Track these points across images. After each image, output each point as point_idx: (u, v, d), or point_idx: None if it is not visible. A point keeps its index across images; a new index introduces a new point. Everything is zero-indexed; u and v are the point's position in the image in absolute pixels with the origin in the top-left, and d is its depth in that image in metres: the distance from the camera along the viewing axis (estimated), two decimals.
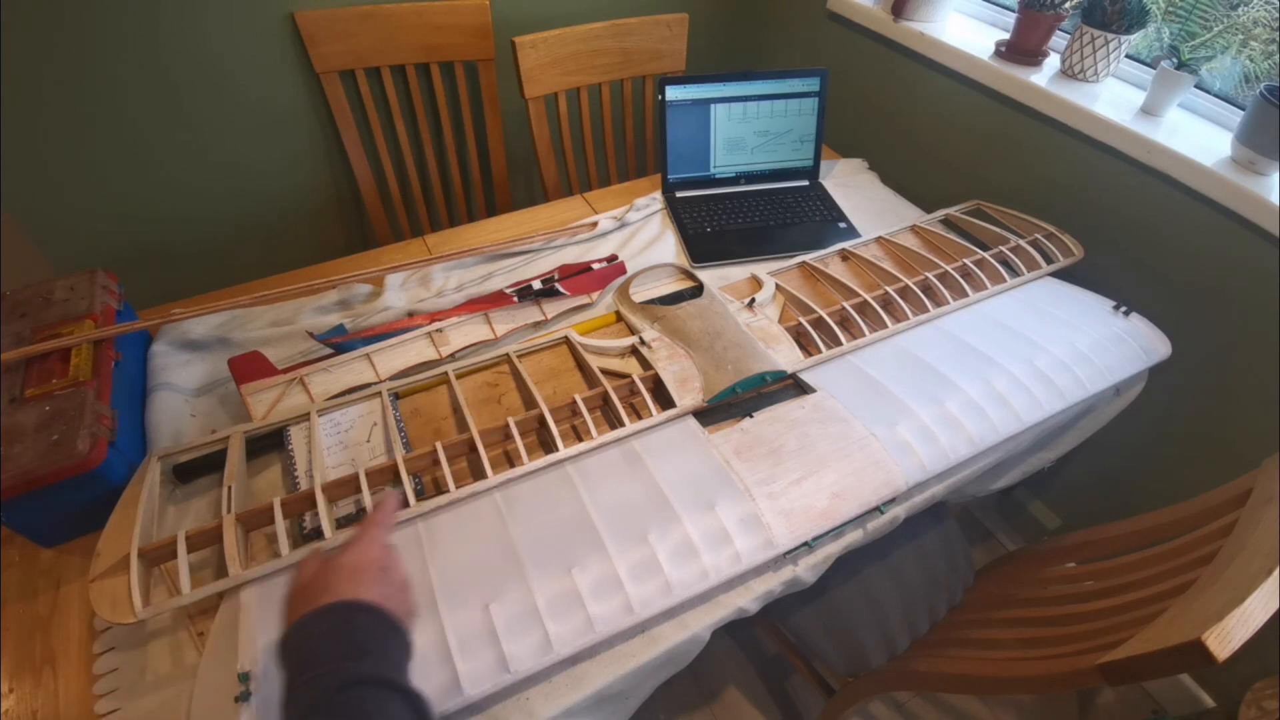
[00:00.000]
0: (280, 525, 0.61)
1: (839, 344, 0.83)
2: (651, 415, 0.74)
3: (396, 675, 0.40)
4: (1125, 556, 0.74)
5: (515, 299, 0.89)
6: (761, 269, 0.97)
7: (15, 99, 0.95)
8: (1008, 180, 1.16)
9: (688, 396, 0.75)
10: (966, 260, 0.96)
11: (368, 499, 0.64)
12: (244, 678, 0.52)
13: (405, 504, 0.64)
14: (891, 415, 0.74)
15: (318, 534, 0.62)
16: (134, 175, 1.10)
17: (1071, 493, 1.28)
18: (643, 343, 0.82)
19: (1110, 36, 0.99)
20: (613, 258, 0.97)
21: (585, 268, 0.94)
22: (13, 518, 0.62)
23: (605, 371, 0.79)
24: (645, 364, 0.81)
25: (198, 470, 0.69)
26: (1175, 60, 0.94)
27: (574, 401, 0.73)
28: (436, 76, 1.20)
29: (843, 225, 1.09)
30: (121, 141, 1.06)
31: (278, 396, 0.75)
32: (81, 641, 0.59)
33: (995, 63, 1.10)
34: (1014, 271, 0.96)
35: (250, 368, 0.76)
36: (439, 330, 0.85)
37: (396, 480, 0.67)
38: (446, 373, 0.79)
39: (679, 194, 1.15)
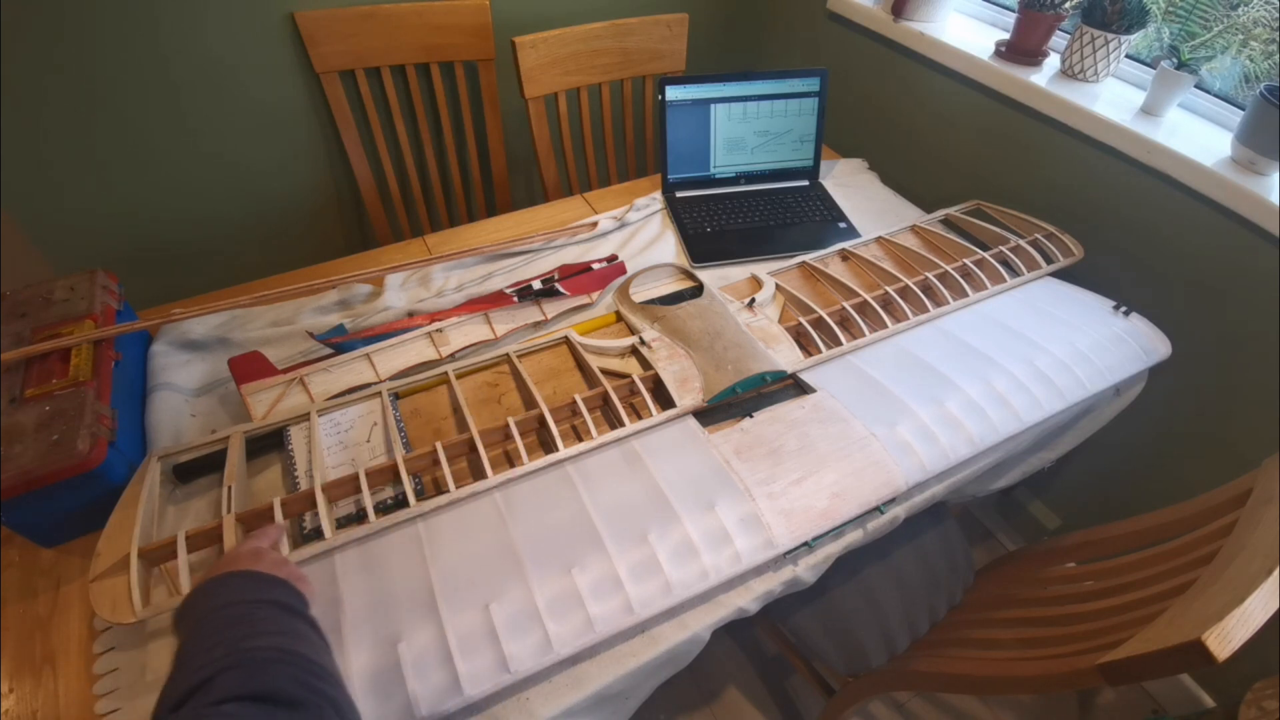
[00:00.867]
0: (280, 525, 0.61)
1: (839, 344, 0.83)
2: (651, 415, 0.74)
3: (263, 593, 0.44)
4: (1125, 556, 0.74)
5: (515, 299, 0.89)
6: (761, 269, 0.97)
7: (15, 99, 0.95)
8: (1008, 180, 1.16)
9: (688, 396, 0.75)
10: (966, 260, 0.96)
11: (368, 499, 0.64)
12: None
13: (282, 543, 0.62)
14: (891, 415, 0.74)
15: (318, 534, 0.62)
16: (134, 175, 1.10)
17: (1071, 493, 1.28)
18: (643, 343, 0.82)
19: (1110, 36, 0.99)
20: (613, 258, 0.97)
21: (585, 268, 0.94)
22: (13, 518, 0.62)
23: (605, 371, 0.79)
24: (645, 364, 0.81)
25: (198, 470, 0.69)
26: (1175, 60, 0.94)
27: (574, 401, 0.73)
28: (436, 76, 1.20)
29: (843, 225, 1.09)
30: (122, 141, 1.06)
31: (278, 396, 0.75)
32: (81, 641, 0.59)
33: (995, 63, 1.10)
34: (1014, 271, 0.96)
35: (250, 368, 0.76)
36: (439, 330, 0.85)
37: (396, 480, 0.67)
38: (446, 373, 0.79)
39: (679, 194, 1.15)
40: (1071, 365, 0.82)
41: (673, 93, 1.08)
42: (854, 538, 0.71)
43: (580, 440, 0.71)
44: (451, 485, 0.65)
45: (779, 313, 0.91)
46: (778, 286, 0.94)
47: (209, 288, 0.93)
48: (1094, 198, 1.04)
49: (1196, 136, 0.94)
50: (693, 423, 0.74)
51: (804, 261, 0.99)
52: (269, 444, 0.73)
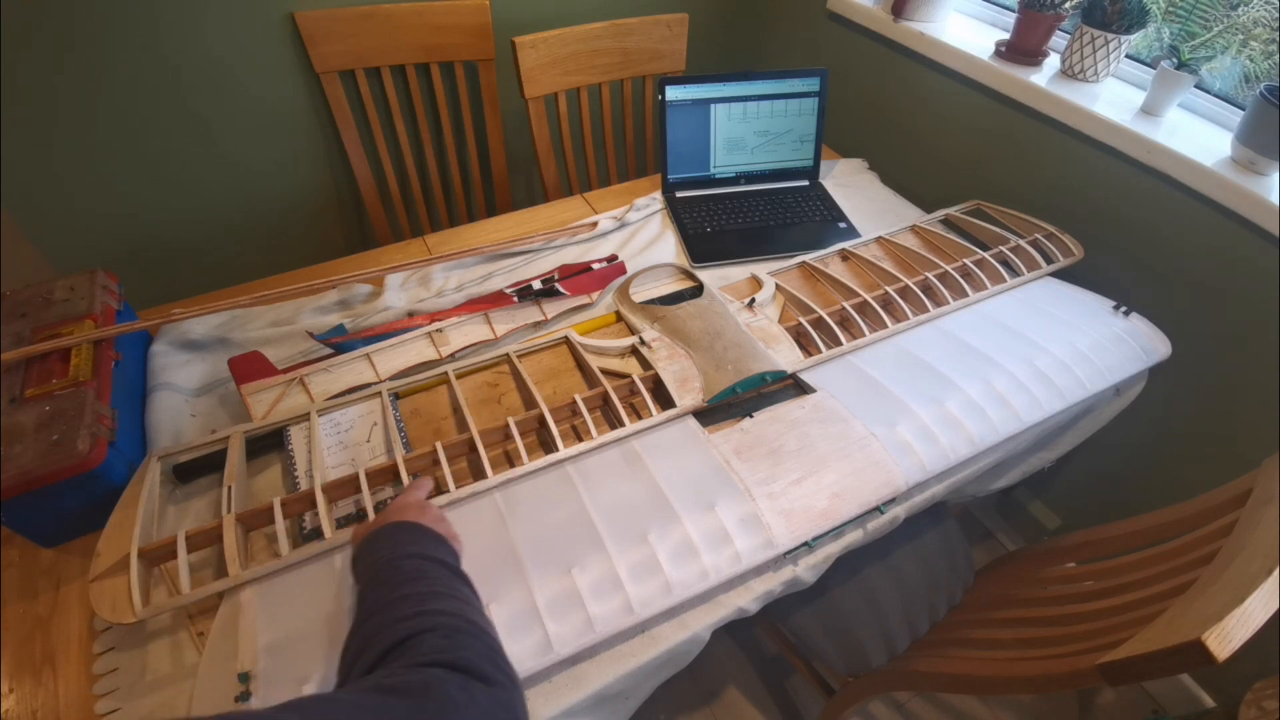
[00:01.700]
0: (280, 525, 0.61)
1: (839, 344, 0.83)
2: (651, 415, 0.74)
3: (434, 552, 0.47)
4: (1125, 556, 0.74)
5: (515, 299, 0.89)
6: (761, 269, 0.97)
7: (15, 99, 0.95)
8: (1008, 180, 1.16)
9: (688, 396, 0.75)
10: (966, 260, 0.96)
11: (368, 499, 0.64)
12: (244, 677, 0.52)
13: (437, 490, 0.65)
14: (891, 415, 0.74)
15: (317, 534, 0.62)
16: (134, 175, 1.10)
17: (1071, 493, 1.28)
18: (643, 343, 0.82)
19: (1110, 36, 0.99)
20: (613, 258, 0.97)
21: (585, 268, 0.94)
22: (13, 518, 0.62)
23: (605, 371, 0.79)
24: (645, 364, 0.81)
25: (198, 470, 0.69)
26: (1175, 60, 0.94)
27: (574, 401, 0.73)
28: (436, 76, 1.20)
29: (843, 225, 1.09)
30: (122, 141, 1.06)
31: (278, 396, 0.75)
32: (81, 641, 0.59)
33: (995, 63, 1.10)
34: (1014, 271, 0.96)
35: (250, 368, 0.76)
36: (439, 330, 0.85)
37: (396, 480, 0.67)
38: (446, 373, 0.79)
39: (679, 194, 1.15)
40: (1071, 365, 0.82)
41: (673, 93, 1.08)
42: (854, 538, 0.71)
43: (580, 440, 0.71)
44: (451, 485, 0.65)
45: (779, 313, 0.91)
46: (778, 286, 0.94)
47: (209, 288, 0.93)
48: (1094, 198, 1.04)
49: (1196, 136, 0.94)
50: (693, 423, 0.74)
51: (804, 261, 0.99)
52: (269, 444, 0.73)
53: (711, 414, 0.76)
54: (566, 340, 0.85)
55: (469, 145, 1.32)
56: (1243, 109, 0.92)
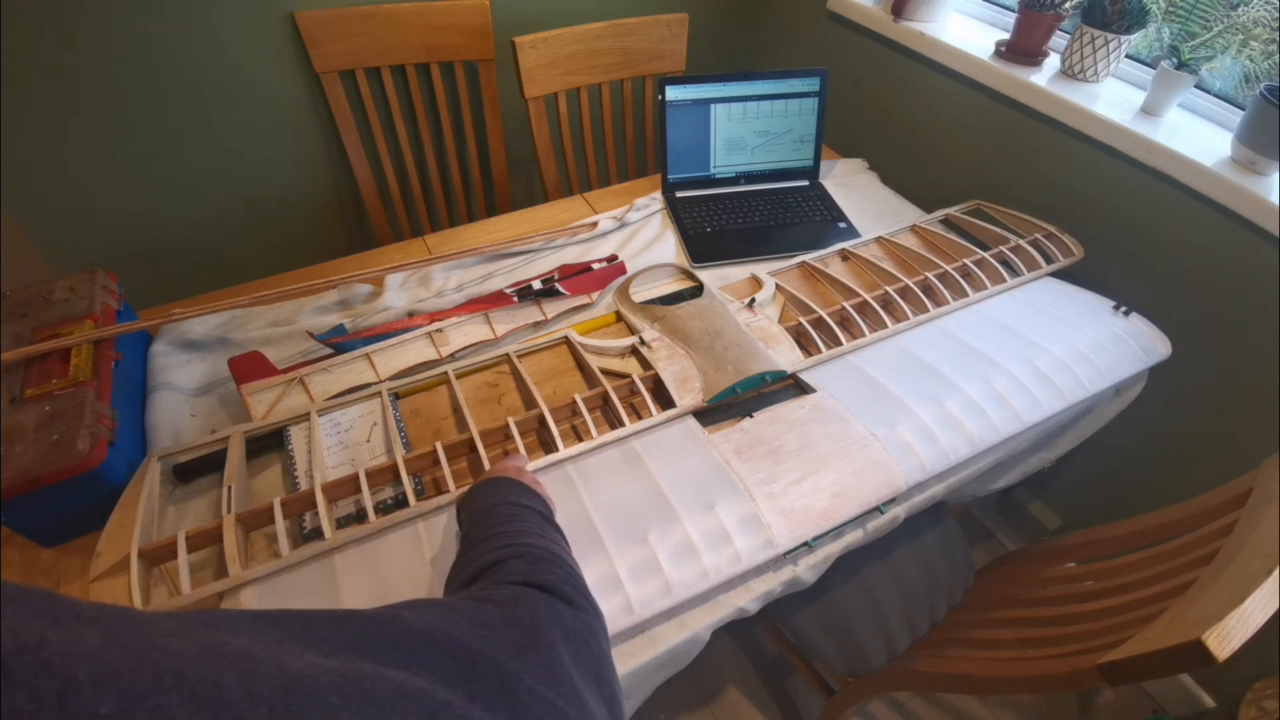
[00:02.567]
0: (280, 525, 0.61)
1: (839, 344, 0.83)
2: (651, 415, 0.74)
3: (529, 502, 0.51)
4: (1125, 556, 0.74)
5: (515, 299, 0.89)
6: (761, 269, 0.97)
7: (15, 99, 0.95)
8: (1008, 180, 1.16)
9: (688, 396, 0.75)
10: (966, 260, 0.96)
11: (368, 499, 0.64)
12: None
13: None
14: (891, 415, 0.74)
15: (318, 534, 0.62)
16: (134, 174, 1.10)
17: (1071, 493, 1.28)
18: (643, 343, 0.82)
19: (1110, 36, 0.99)
20: (613, 258, 0.97)
21: (585, 268, 0.94)
22: (13, 518, 0.62)
23: (605, 371, 0.79)
24: (645, 364, 0.81)
25: (198, 470, 0.69)
26: (1175, 60, 0.94)
27: (574, 401, 0.73)
28: (436, 76, 1.20)
29: (843, 225, 1.09)
30: (122, 141, 1.06)
31: (278, 396, 0.75)
32: None
33: (995, 63, 1.10)
34: (1014, 271, 0.96)
35: (250, 368, 0.76)
36: (439, 330, 0.85)
37: (396, 480, 0.67)
38: (446, 373, 0.79)
39: (679, 194, 1.15)
40: (1071, 365, 0.82)
41: (673, 93, 1.08)
42: (854, 538, 0.71)
43: (580, 440, 0.71)
44: (451, 485, 0.65)
45: (779, 313, 0.91)
46: (778, 286, 0.94)
47: (209, 288, 0.93)
48: (1094, 198, 1.04)
49: (1196, 136, 0.94)
50: (693, 423, 0.74)
51: (804, 261, 0.99)
52: (269, 444, 0.73)
53: (711, 414, 0.76)
54: (566, 340, 0.85)
55: (469, 145, 1.32)
56: (1243, 109, 0.92)
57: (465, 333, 0.86)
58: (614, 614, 0.58)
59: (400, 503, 0.65)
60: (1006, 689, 0.67)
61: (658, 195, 1.15)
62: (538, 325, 0.89)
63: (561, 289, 0.91)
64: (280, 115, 1.16)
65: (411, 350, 0.83)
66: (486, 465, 0.67)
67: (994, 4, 1.23)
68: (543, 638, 0.29)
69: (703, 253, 1.02)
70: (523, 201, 1.53)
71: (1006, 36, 1.13)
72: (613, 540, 0.62)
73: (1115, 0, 0.96)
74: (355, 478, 0.65)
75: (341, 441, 0.71)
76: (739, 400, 0.78)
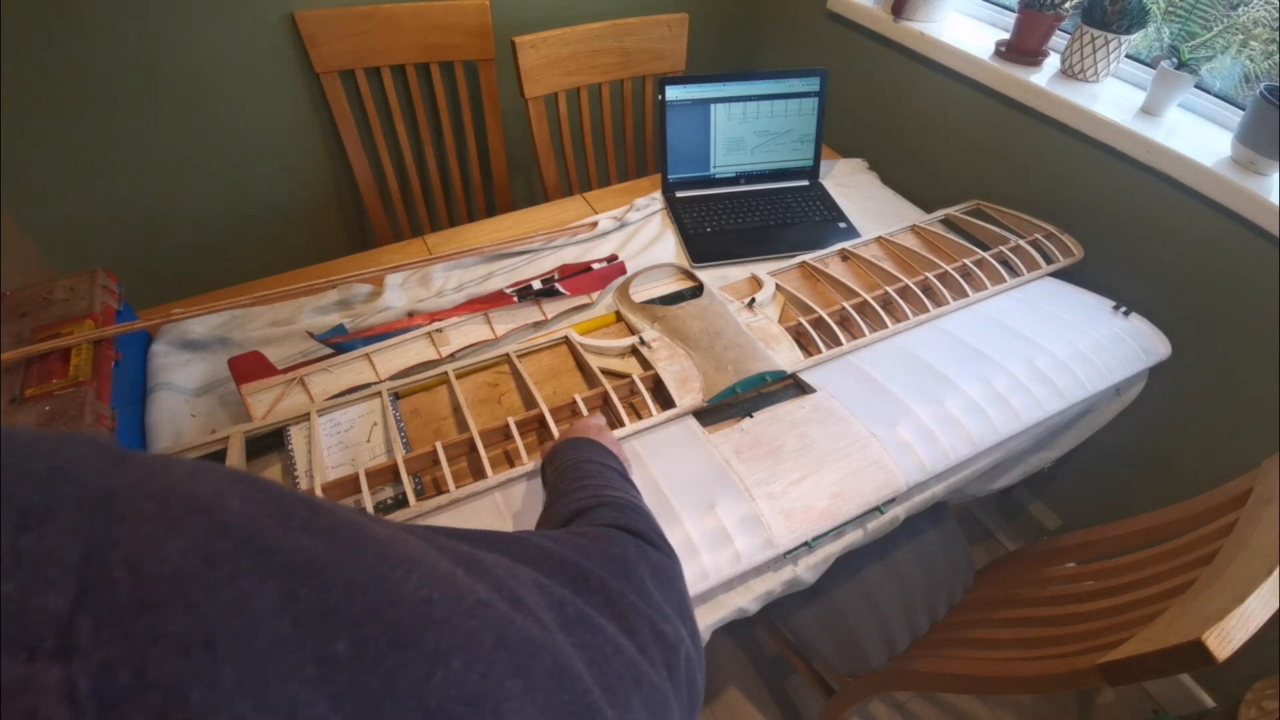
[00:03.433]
0: None
1: (839, 344, 0.83)
2: (651, 415, 0.74)
3: (610, 461, 0.54)
4: (1125, 556, 0.74)
5: (515, 299, 0.89)
6: (761, 269, 0.97)
7: (15, 99, 0.95)
8: (1008, 180, 1.16)
9: (688, 396, 0.75)
10: (966, 260, 0.96)
11: (368, 499, 0.64)
12: None
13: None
14: (891, 415, 0.74)
15: None
16: (134, 175, 1.10)
17: (1071, 493, 1.28)
18: (643, 343, 0.82)
19: (1110, 36, 0.99)
20: (613, 258, 0.97)
21: (585, 268, 0.94)
22: None
23: (605, 371, 0.79)
24: (645, 364, 0.81)
25: None
26: (1175, 60, 0.94)
27: (574, 401, 0.73)
28: (436, 76, 1.20)
29: (843, 225, 1.09)
30: (121, 141, 1.06)
31: (278, 396, 0.75)
32: None
33: (995, 63, 1.10)
34: (1014, 272, 0.96)
35: (250, 368, 0.76)
36: (439, 330, 0.85)
37: (396, 480, 0.67)
38: (446, 373, 0.79)
39: (679, 194, 1.15)
40: (1071, 365, 0.82)
41: (673, 93, 1.08)
42: (854, 538, 0.71)
43: None
44: (451, 485, 0.65)
45: (779, 313, 0.91)
46: (778, 286, 0.94)
47: (209, 288, 0.93)
48: (1094, 198, 1.04)
49: (1196, 136, 0.94)
50: (693, 423, 0.74)
51: (804, 261, 0.99)
52: (269, 444, 0.73)
53: (711, 414, 0.76)
54: (566, 340, 0.85)
55: (469, 145, 1.32)
56: (1243, 109, 0.92)
57: (465, 333, 0.86)
58: None
59: (400, 502, 0.65)
60: (1006, 689, 0.67)
61: (658, 195, 1.15)
62: (538, 325, 0.89)
63: (561, 289, 0.91)
64: (280, 115, 1.16)
65: (411, 350, 0.83)
66: (486, 465, 0.67)
67: (994, 4, 1.23)
68: (633, 572, 0.31)
69: (703, 253, 1.02)
70: (523, 201, 1.53)
71: (1006, 36, 1.12)
72: None
73: (1115, 0, 0.96)
74: (355, 478, 0.65)
75: (341, 441, 0.71)
76: (739, 400, 0.78)
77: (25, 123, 0.97)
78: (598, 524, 0.39)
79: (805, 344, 0.85)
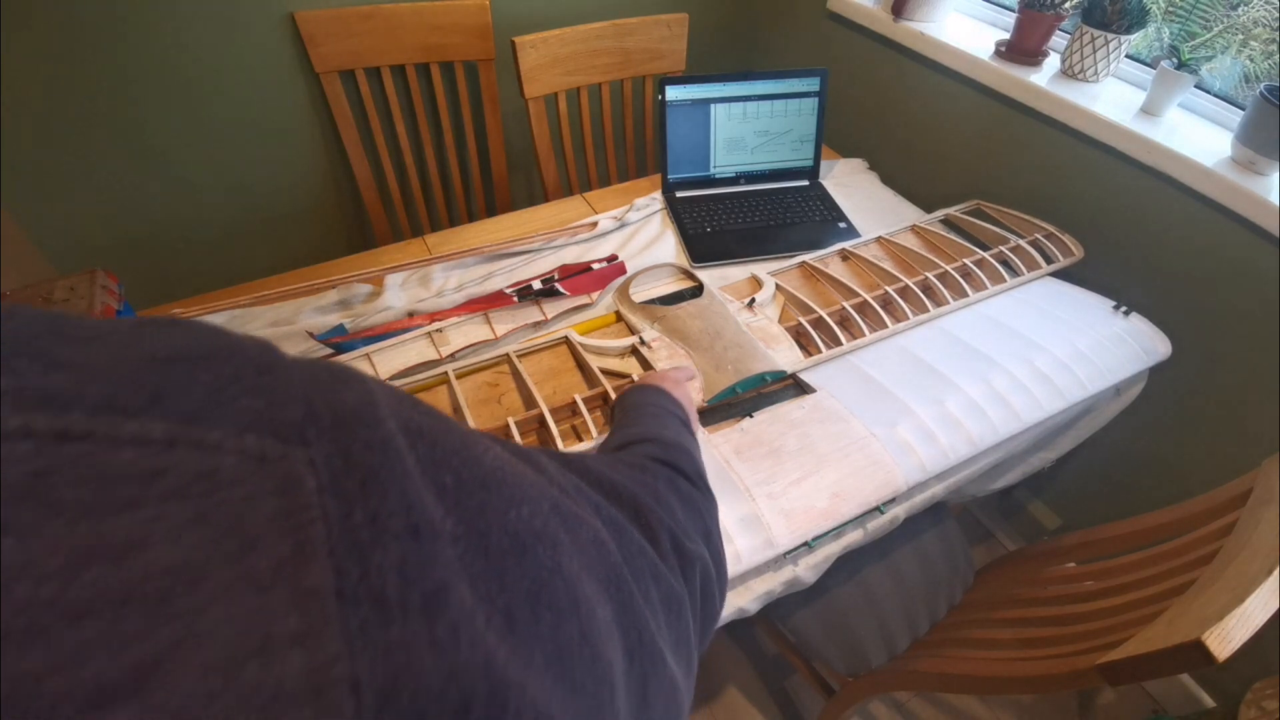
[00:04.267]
0: None
1: (839, 344, 0.83)
2: None
3: (674, 409, 0.56)
4: (1125, 556, 0.74)
5: (515, 299, 0.89)
6: (761, 269, 0.97)
7: (15, 98, 0.95)
8: (1008, 180, 1.16)
9: None
10: (966, 260, 0.96)
11: None
12: None
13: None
14: (891, 415, 0.74)
15: None
16: (134, 175, 1.10)
17: (1071, 493, 1.28)
18: (643, 343, 0.82)
19: (1110, 36, 0.99)
20: (613, 258, 0.97)
21: (585, 268, 0.94)
22: None
23: (605, 371, 0.79)
24: (645, 364, 0.81)
25: None
26: (1175, 60, 0.94)
27: (574, 401, 0.73)
28: (436, 76, 1.20)
29: (843, 225, 1.09)
30: (121, 141, 1.06)
31: None
32: None
33: (995, 63, 1.10)
34: (1014, 271, 0.96)
35: None
36: (439, 330, 0.85)
37: None
38: (446, 373, 0.79)
39: (679, 194, 1.15)
40: (1071, 365, 0.82)
41: (673, 93, 1.08)
42: (854, 538, 0.71)
43: (580, 440, 0.71)
44: None
45: (779, 313, 0.91)
46: (778, 286, 0.94)
47: (209, 288, 0.93)
48: (1094, 198, 1.04)
49: (1196, 136, 0.94)
50: None
51: (804, 261, 0.99)
52: None
53: (711, 414, 0.76)
54: (566, 340, 0.85)
55: (469, 145, 1.32)
56: (1243, 109, 0.92)
57: (465, 333, 0.86)
58: None
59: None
60: (1006, 689, 0.67)
61: (658, 195, 1.15)
62: (538, 325, 0.89)
63: (561, 289, 0.91)
64: (280, 115, 1.16)
65: (411, 350, 0.83)
66: None
67: (994, 4, 1.23)
68: (662, 497, 0.33)
69: (703, 253, 1.02)
70: (523, 201, 1.53)
71: (1006, 36, 1.13)
72: None
73: (1115, 0, 0.96)
74: None
75: None
76: (739, 400, 0.78)
77: (25, 123, 0.97)
78: (640, 456, 0.41)
79: (805, 344, 0.85)
